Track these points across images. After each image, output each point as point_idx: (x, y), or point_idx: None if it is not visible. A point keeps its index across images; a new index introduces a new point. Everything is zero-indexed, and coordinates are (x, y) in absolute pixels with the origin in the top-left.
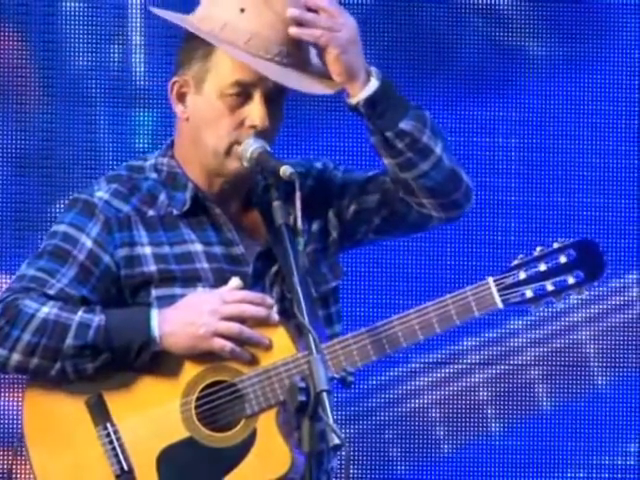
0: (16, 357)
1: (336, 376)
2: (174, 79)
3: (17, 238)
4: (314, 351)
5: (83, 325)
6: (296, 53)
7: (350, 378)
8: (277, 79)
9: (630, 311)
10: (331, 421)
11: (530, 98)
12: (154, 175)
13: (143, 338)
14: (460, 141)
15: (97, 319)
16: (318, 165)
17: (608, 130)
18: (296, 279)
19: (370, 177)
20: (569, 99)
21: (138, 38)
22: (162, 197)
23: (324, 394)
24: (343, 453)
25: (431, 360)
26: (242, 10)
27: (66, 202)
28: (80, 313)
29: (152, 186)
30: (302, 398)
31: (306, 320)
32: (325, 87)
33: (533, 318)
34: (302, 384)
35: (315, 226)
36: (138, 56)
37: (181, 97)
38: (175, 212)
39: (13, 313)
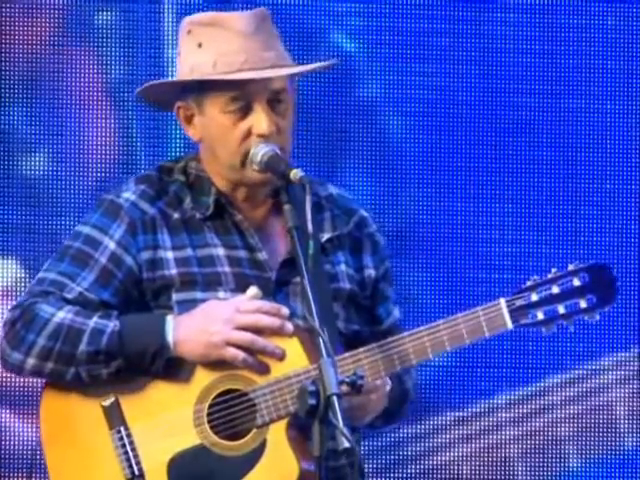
0: (31, 361)
1: (346, 380)
2: (178, 104)
3: (52, 242)
4: (324, 354)
5: (97, 331)
6: (262, 53)
7: (360, 382)
8: (253, 76)
9: None
10: (341, 424)
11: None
12: (182, 178)
13: (157, 344)
14: (469, 151)
15: (112, 325)
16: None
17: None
18: (306, 281)
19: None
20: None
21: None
22: (187, 200)
23: (334, 397)
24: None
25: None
26: (199, 45)
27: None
28: (95, 319)
29: (178, 189)
30: (312, 401)
31: (316, 323)
32: (298, 67)
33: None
34: (312, 387)
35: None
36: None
37: (189, 120)
38: (198, 216)
39: (29, 317)
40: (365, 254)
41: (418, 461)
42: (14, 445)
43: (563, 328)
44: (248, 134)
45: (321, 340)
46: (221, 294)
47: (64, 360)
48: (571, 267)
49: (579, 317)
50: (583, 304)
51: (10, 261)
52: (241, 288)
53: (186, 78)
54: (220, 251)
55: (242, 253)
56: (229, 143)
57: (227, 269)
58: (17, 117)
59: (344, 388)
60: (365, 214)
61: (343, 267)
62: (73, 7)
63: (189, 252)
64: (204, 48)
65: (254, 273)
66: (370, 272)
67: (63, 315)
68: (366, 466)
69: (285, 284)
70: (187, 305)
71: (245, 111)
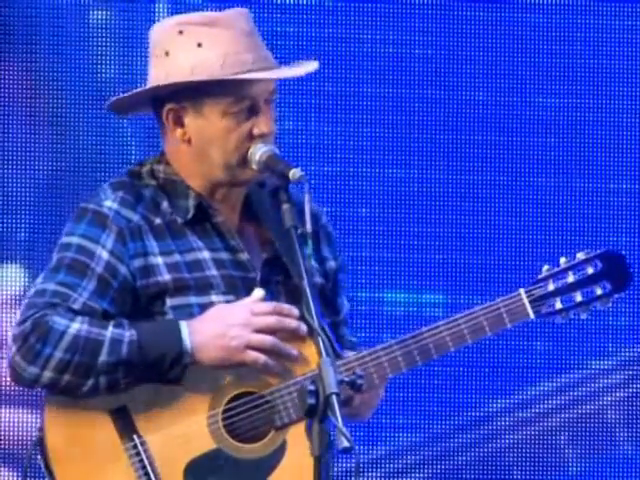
0: (48, 375)
1: (346, 379)
2: (168, 107)
3: (50, 242)
4: (323, 354)
5: (115, 341)
6: (262, 52)
7: (359, 381)
8: (271, 76)
9: None
10: (340, 424)
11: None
12: (153, 182)
13: (175, 351)
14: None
15: (128, 334)
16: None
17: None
18: (305, 282)
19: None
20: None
21: None
22: (164, 204)
23: (333, 397)
24: (353, 456)
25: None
26: (199, 45)
27: (75, 212)
28: (111, 328)
29: (153, 193)
30: (311, 401)
31: (316, 323)
32: (301, 68)
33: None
34: (312, 387)
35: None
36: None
37: (178, 121)
38: (179, 220)
39: (44, 330)
40: (323, 246)
41: (424, 467)
42: (10, 446)
43: (576, 316)
44: (250, 135)
45: (320, 340)
46: (214, 297)
47: (82, 372)
48: (582, 255)
49: (594, 305)
50: (599, 291)
51: (13, 267)
52: (230, 290)
53: (189, 79)
54: (205, 254)
55: (224, 255)
56: (229, 143)
57: (215, 272)
58: (15, 120)
59: (345, 388)
60: (314, 205)
61: (312, 261)
62: (69, 6)
63: (177, 257)
64: (206, 47)
65: (239, 274)
66: (331, 264)
67: (78, 326)
68: (373, 473)
69: (269, 283)
70: (182, 310)
71: (248, 112)
